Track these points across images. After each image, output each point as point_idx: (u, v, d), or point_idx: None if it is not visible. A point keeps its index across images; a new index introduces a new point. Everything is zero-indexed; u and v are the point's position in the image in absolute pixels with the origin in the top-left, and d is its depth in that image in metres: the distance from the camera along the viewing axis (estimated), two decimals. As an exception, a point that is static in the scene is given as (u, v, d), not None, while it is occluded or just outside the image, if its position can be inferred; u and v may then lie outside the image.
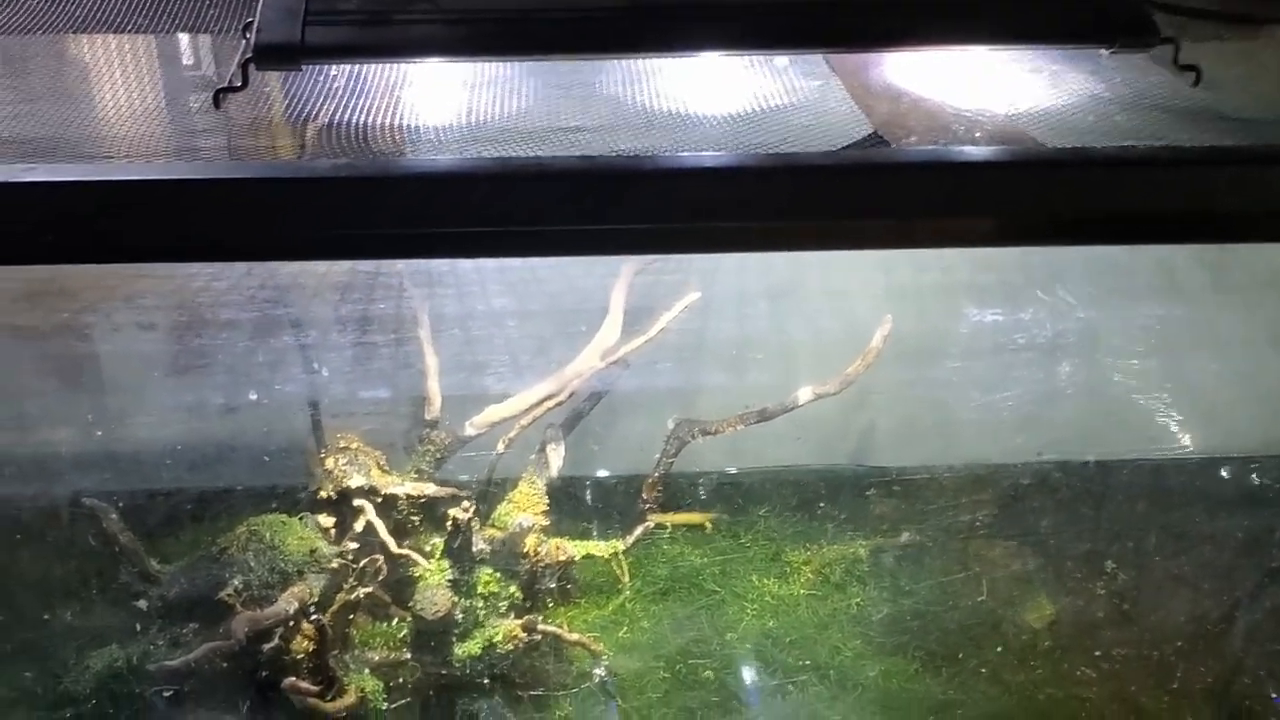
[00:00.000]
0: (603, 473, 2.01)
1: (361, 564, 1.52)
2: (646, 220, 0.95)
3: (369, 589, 1.53)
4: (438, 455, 1.81)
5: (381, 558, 1.54)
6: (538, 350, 1.83)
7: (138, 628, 1.64)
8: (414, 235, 0.95)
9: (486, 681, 1.65)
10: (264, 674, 1.47)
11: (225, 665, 1.48)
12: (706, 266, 1.83)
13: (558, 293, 1.80)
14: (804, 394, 1.89)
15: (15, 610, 1.69)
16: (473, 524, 1.62)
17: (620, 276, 1.75)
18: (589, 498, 1.95)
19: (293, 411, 1.96)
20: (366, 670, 1.60)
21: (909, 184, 0.96)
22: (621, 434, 2.03)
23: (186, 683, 1.51)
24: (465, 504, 1.62)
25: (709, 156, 1.00)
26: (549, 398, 1.78)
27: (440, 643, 1.63)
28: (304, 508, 1.78)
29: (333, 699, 1.43)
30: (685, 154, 1.01)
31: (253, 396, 1.99)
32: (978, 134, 1.06)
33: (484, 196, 0.93)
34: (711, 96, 1.13)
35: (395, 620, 1.71)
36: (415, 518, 1.78)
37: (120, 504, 1.72)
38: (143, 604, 1.56)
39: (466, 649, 1.62)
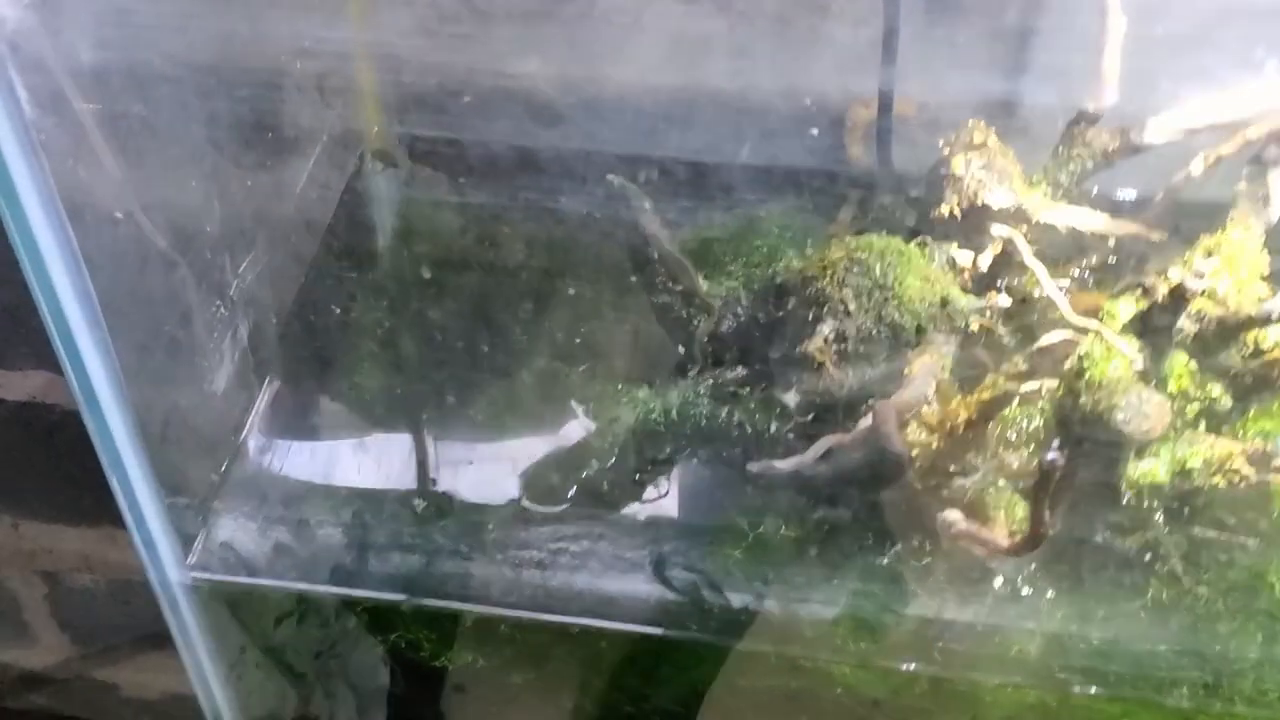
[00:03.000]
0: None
1: (1050, 342, 0.96)
2: None
3: (1054, 383, 0.98)
4: (1088, 164, 1.20)
5: (1073, 338, 0.98)
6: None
7: (678, 368, 1.17)
8: None
9: (1159, 517, 1.10)
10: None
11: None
12: None
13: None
14: None
15: (505, 322, 1.26)
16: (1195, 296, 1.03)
17: None
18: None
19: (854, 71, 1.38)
20: (1002, 482, 1.08)
21: None
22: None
23: (789, 488, 1.04)
24: (1199, 264, 1.01)
25: None
26: (1303, 99, 1.11)
27: (1104, 454, 1.08)
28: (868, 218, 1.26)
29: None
30: None
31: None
32: None
33: None
34: None
35: (1017, 402, 1.16)
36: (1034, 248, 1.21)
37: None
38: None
39: (1146, 472, 1.07)
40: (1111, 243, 1.23)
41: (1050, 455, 0.82)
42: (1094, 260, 1.28)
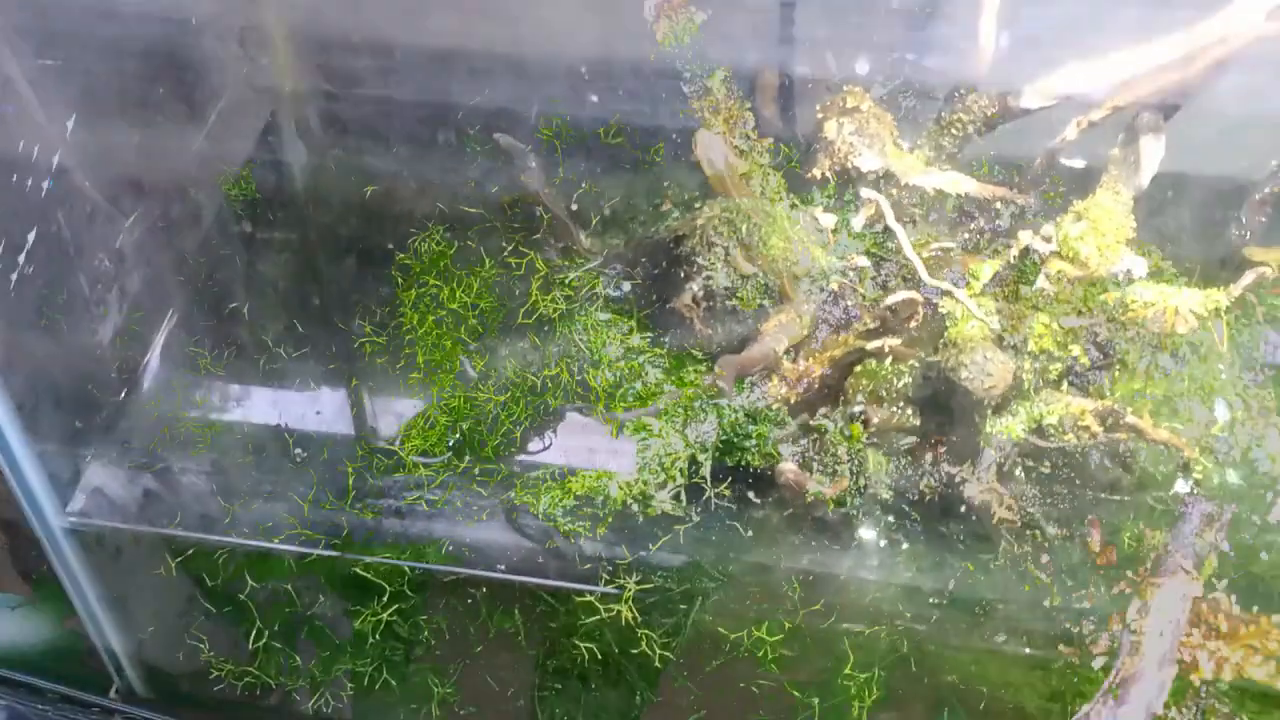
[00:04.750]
0: (1181, 174, 1.36)
1: (889, 303, 0.99)
2: None
3: (899, 341, 1.00)
4: (968, 129, 1.22)
5: (921, 299, 1.00)
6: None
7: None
8: None
9: (1019, 472, 1.13)
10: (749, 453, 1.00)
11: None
12: None
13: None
14: None
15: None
16: (1045, 259, 1.05)
17: None
18: (1164, 211, 1.32)
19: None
20: (863, 432, 1.10)
21: None
22: (1211, 127, 1.36)
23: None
24: (1046, 228, 1.04)
25: None
26: (1165, 68, 1.14)
27: (965, 409, 1.11)
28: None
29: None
30: None
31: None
32: None
33: None
34: None
35: (890, 360, 1.19)
36: (915, 210, 1.23)
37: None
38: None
39: (1003, 426, 1.10)
40: (1000, 207, 1.25)
41: (856, 409, 0.85)
42: (982, 224, 1.30)
